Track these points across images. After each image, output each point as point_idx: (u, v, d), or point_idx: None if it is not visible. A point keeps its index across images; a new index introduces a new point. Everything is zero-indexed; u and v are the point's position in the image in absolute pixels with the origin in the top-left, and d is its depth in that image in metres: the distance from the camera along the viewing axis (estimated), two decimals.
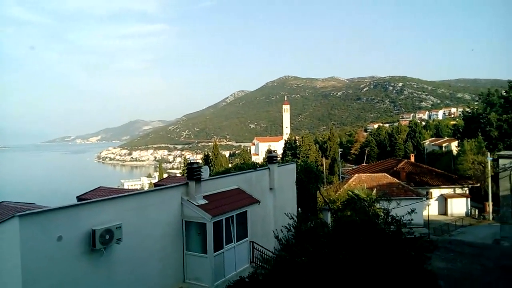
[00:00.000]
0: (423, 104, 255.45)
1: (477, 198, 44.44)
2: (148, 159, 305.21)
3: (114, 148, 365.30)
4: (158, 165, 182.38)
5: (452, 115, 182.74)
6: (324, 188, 34.44)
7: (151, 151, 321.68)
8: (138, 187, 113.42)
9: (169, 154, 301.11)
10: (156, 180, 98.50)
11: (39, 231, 8.17)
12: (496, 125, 44.86)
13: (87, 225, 9.09)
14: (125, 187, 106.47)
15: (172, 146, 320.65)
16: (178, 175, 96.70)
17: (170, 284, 11.30)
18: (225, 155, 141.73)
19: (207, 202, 12.09)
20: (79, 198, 16.03)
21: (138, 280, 10.33)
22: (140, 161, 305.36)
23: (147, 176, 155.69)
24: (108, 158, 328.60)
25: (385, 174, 41.03)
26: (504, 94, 48.91)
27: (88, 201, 9.61)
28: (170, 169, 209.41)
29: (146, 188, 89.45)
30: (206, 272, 11.47)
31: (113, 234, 9.37)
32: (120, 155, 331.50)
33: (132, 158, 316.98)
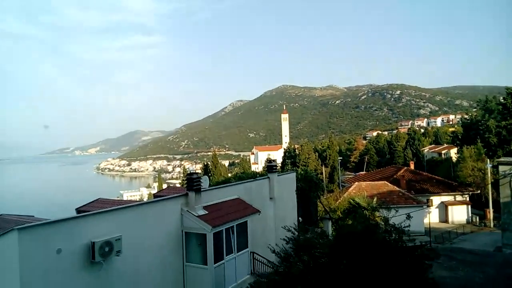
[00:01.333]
0: (421, 111, 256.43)
1: (477, 205, 44.33)
2: (147, 169, 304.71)
3: (113, 159, 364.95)
4: (157, 175, 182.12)
5: (451, 122, 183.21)
6: (325, 197, 34.31)
7: (150, 161, 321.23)
8: (137, 197, 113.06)
9: (168, 164, 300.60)
10: (155, 191, 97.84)
11: (38, 244, 8.12)
12: (495, 132, 44.97)
13: (86, 238, 9.04)
14: (124, 198, 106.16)
15: (171, 156, 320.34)
16: (178, 185, 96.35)
17: None
18: (224, 165, 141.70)
19: (207, 212, 12.04)
20: (78, 210, 15.98)
21: None
22: (139, 171, 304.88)
23: (146, 187, 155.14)
24: (107, 169, 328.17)
25: (385, 182, 40.95)
26: (502, 100, 49.06)
27: (87, 213, 9.56)
28: (169, 179, 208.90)
29: (146, 198, 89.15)
30: (206, 284, 11.37)
31: (113, 246, 9.31)
32: (119, 166, 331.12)
33: (131, 168, 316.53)
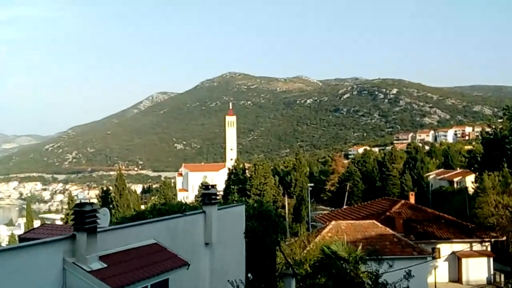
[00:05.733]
0: (426, 120, 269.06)
1: (503, 257, 46.59)
2: (10, 196, 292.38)
3: None
4: (25, 206, 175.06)
5: (467, 137, 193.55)
6: (287, 243, 34.73)
7: (14, 183, 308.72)
8: None
9: (45, 189, 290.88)
10: (21, 231, 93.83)
11: None
12: None
13: None
14: None
15: (50, 176, 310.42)
16: (59, 222, 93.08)
17: None
18: (136, 191, 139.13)
19: (106, 266, 11.69)
20: None
21: None
22: None
23: (7, 224, 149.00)
24: None
25: (374, 221, 42.14)
26: None
27: None
28: (45, 212, 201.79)
29: (5, 243, 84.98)
30: None
31: None
32: None
33: None
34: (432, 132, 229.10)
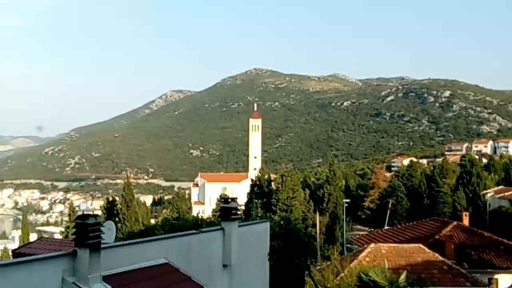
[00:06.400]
0: (485, 128, 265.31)
1: None
2: (3, 205, 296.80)
3: None
4: (21, 216, 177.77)
5: None
6: (318, 267, 34.59)
7: (9, 190, 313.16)
8: None
9: (43, 198, 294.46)
10: (16, 245, 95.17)
11: None
12: None
13: None
14: None
15: (50, 183, 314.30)
16: (58, 236, 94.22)
17: None
18: (145, 203, 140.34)
19: (109, 287, 11.77)
20: None
21: None
22: None
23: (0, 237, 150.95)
24: None
25: (421, 245, 41.78)
26: None
27: None
28: (43, 224, 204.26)
29: None
30: None
31: None
32: None
33: None
34: (491, 142, 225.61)
